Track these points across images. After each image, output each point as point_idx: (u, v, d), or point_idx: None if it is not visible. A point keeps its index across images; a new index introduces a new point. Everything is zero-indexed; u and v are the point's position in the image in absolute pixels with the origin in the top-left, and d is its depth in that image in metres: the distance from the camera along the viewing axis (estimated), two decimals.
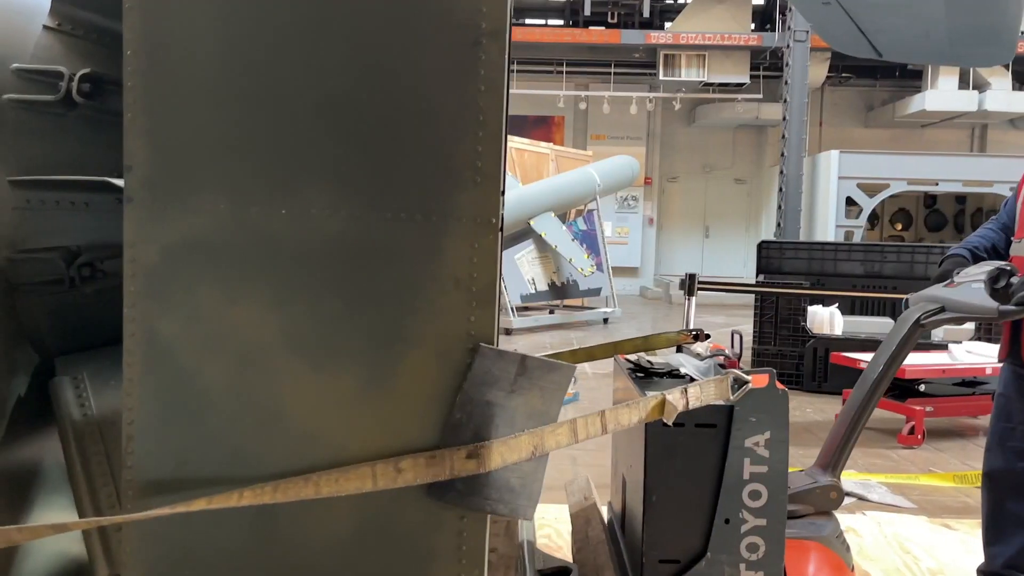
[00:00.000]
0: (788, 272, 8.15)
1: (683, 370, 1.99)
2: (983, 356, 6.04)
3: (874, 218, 15.91)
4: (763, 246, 8.30)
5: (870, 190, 14.55)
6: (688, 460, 1.81)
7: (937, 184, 14.78)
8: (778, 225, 14.21)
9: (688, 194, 17.63)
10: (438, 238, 1.42)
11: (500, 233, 1.45)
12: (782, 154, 14.18)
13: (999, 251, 2.55)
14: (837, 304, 7.68)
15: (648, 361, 2.11)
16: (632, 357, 2.16)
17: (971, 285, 2.13)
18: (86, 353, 1.78)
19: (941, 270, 2.43)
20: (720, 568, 1.80)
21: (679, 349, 2.41)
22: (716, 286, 8.01)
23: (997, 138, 16.65)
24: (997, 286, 2.04)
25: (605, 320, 11.85)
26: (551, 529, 3.37)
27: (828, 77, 16.08)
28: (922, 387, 5.76)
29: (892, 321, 8.14)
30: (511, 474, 1.47)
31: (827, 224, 14.67)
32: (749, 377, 1.74)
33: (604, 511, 2.48)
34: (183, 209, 1.42)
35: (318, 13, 1.40)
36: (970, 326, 7.82)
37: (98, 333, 1.78)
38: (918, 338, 2.16)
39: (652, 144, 17.44)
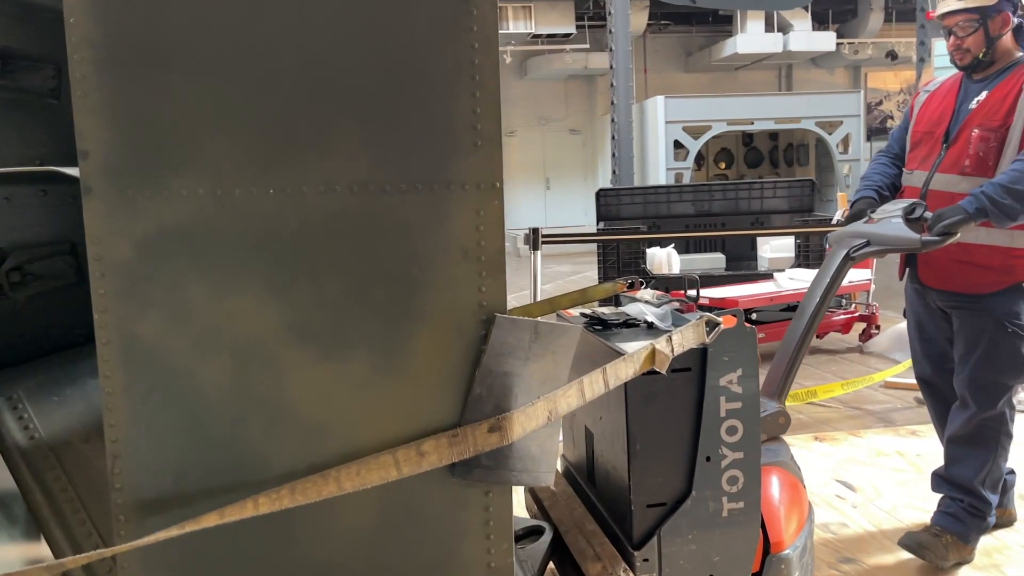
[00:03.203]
0: (626, 217, 8.42)
1: (648, 318, 2.03)
2: (805, 281, 6.52)
3: (700, 159, 16.80)
4: (601, 194, 8.56)
5: (694, 132, 15.33)
6: (667, 405, 1.85)
7: (753, 123, 15.79)
8: (613, 172, 14.68)
9: (526, 147, 17.84)
10: (441, 207, 1.35)
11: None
12: (612, 102, 14.61)
13: (898, 188, 2.78)
14: (673, 244, 8.08)
15: (602, 313, 2.13)
16: (587, 311, 2.17)
17: (891, 220, 2.32)
18: (15, 369, 1.56)
19: (855, 210, 2.63)
20: (705, 504, 1.86)
21: (617, 300, 2.45)
22: (558, 239, 8.17)
23: (801, 77, 17.97)
24: (912, 217, 2.26)
25: None
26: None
27: (648, 24, 16.65)
28: (755, 315, 6.12)
29: (723, 256, 8.78)
30: (531, 442, 1.45)
31: (658, 168, 15.36)
32: (721, 319, 1.80)
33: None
34: (155, 196, 1.26)
35: None
36: (790, 254, 8.53)
37: (28, 346, 1.57)
38: (849, 269, 2.33)
39: None
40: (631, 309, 2.08)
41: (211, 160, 1.28)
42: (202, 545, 1.32)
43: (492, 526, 1.44)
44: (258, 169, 1.29)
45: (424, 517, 1.42)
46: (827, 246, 2.50)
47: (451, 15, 1.32)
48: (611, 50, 14.38)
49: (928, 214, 2.33)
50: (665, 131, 15.23)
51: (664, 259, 8.07)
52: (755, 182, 9.33)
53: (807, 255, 8.25)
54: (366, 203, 1.33)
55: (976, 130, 2.53)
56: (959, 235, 2.30)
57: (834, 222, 9.18)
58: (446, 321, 1.38)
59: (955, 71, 2.74)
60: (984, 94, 2.60)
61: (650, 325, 2.07)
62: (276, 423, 1.34)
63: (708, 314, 1.79)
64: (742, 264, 8.88)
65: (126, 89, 1.24)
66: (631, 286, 2.47)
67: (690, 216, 8.69)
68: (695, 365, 1.85)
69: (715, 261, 8.96)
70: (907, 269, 2.77)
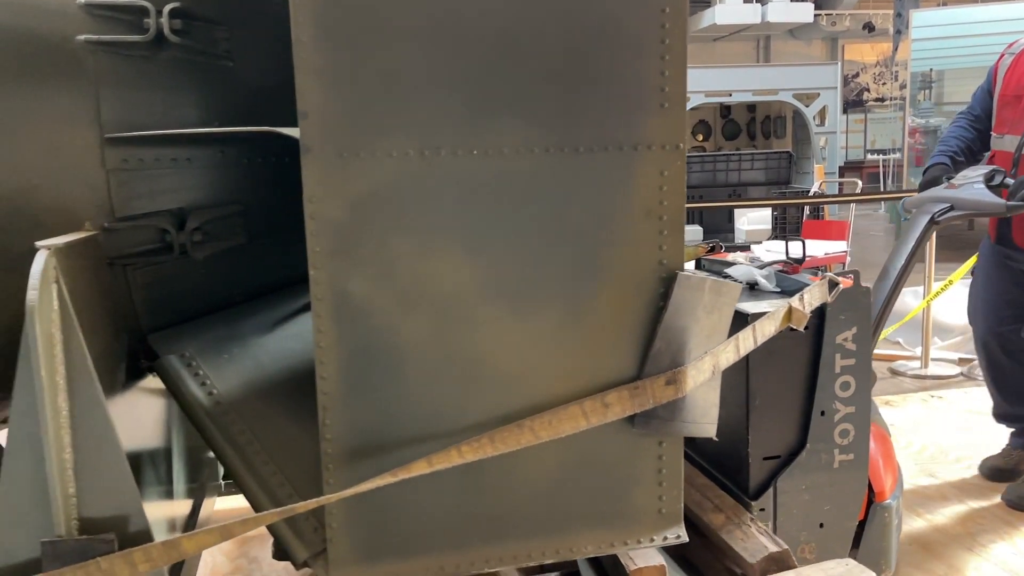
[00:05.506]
0: None
1: (756, 278, 2.10)
2: (782, 254, 6.66)
3: None
4: None
5: None
6: (786, 362, 1.93)
7: (731, 95, 15.89)
8: None
9: None
10: (628, 168, 1.40)
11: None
12: None
13: (974, 152, 2.88)
14: None
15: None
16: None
17: (973, 186, 2.42)
18: (179, 328, 1.58)
19: (929, 176, 2.73)
20: (818, 456, 1.96)
21: (699, 264, 2.52)
22: None
23: (779, 48, 18.10)
24: (992, 184, 2.37)
25: None
26: None
27: None
28: None
29: (700, 228, 8.90)
30: (698, 395, 1.52)
31: None
32: (840, 279, 1.88)
33: None
34: (367, 157, 1.30)
35: None
36: (767, 227, 8.71)
37: (194, 305, 1.59)
38: (933, 233, 2.43)
39: None
40: (738, 271, 2.15)
41: (420, 121, 1.31)
42: (399, 491, 1.37)
43: (664, 474, 1.51)
44: (463, 130, 1.33)
45: (602, 466, 1.48)
46: (903, 211, 2.58)
47: None
48: None
49: (1008, 180, 2.44)
50: None
51: None
52: (733, 154, 9.44)
53: (783, 227, 8.42)
54: (559, 164, 1.37)
55: None
56: None
57: (811, 193, 9.33)
58: (628, 278, 1.43)
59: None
60: None
61: (752, 286, 2.14)
62: (471, 376, 1.39)
63: (830, 275, 1.87)
64: (719, 236, 9.01)
65: (342, 51, 1.26)
66: (712, 250, 2.54)
67: None
68: (813, 323, 1.93)
69: (693, 233, 9.08)
70: (997, 232, 2.89)
